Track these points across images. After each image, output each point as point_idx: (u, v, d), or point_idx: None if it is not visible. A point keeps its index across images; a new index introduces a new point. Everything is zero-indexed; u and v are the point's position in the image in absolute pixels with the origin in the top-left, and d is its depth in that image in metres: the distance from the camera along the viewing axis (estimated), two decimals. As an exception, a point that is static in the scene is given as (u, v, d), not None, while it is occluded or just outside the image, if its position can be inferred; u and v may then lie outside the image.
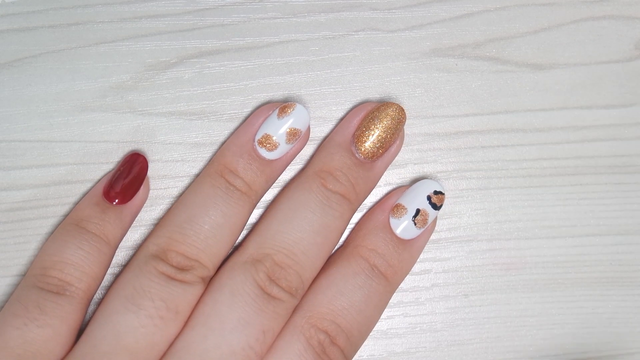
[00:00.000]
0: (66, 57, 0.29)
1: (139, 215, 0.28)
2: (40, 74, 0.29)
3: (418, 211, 0.27)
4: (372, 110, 0.27)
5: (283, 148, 0.27)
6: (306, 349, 0.25)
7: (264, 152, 0.27)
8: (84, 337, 0.25)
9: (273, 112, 0.27)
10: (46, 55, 0.29)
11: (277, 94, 0.29)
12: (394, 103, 0.27)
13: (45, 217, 0.28)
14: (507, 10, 0.30)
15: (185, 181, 0.29)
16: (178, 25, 0.29)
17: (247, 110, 0.29)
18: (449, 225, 0.30)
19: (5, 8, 0.29)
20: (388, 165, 0.28)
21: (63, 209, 0.28)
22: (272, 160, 0.27)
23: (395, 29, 0.30)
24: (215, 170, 0.27)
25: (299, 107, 0.27)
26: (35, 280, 0.26)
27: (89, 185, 0.29)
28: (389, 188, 0.29)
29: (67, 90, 0.29)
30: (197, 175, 0.29)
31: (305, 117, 0.27)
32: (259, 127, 0.27)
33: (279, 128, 0.27)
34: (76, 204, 0.28)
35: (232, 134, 0.29)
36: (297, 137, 0.27)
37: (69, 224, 0.27)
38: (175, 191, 0.29)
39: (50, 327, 0.25)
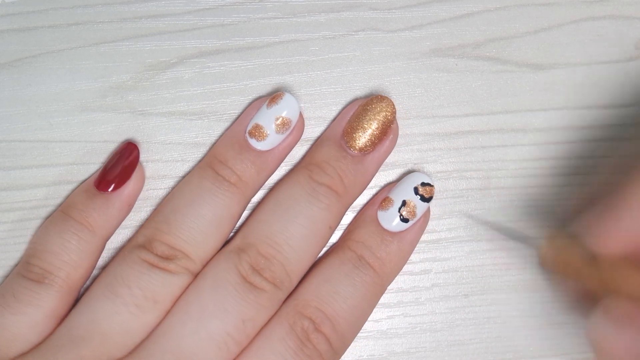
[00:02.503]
0: (66, 57, 0.29)
1: (138, 215, 0.28)
2: (40, 74, 0.29)
3: (404, 202, 0.27)
4: (362, 105, 0.27)
5: (273, 138, 0.27)
6: (289, 334, 0.25)
7: (254, 143, 0.27)
8: (63, 323, 0.26)
9: (264, 103, 0.27)
10: (46, 55, 0.29)
11: (277, 94, 0.29)
12: (383, 97, 0.27)
13: (45, 217, 0.28)
14: (507, 10, 0.30)
15: (185, 181, 0.29)
16: (178, 25, 0.29)
17: (247, 110, 0.29)
18: (449, 225, 0.30)
19: (5, 8, 0.29)
20: (381, 161, 0.28)
21: (63, 209, 0.28)
22: (263, 152, 0.27)
23: (395, 29, 0.30)
24: (205, 161, 0.27)
25: (287, 96, 0.27)
26: (20, 268, 0.26)
27: (89, 185, 0.29)
28: (389, 188, 0.29)
29: (67, 90, 0.29)
30: (197, 175, 0.29)
31: (295, 106, 0.27)
32: (251, 119, 0.27)
33: (268, 118, 0.27)
34: (76, 204, 0.28)
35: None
36: (287, 127, 0.27)
37: (57, 212, 0.27)
38: (175, 191, 0.29)
39: (25, 314, 0.25)
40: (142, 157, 0.29)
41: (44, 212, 0.28)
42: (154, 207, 0.29)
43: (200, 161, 0.28)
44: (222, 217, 0.27)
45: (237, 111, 0.29)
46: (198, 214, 0.26)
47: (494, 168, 0.30)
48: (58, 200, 0.28)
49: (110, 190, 0.27)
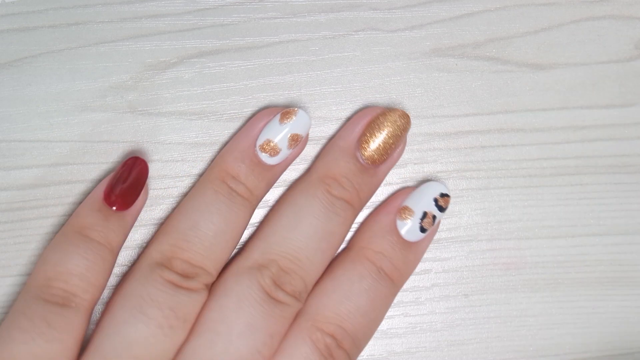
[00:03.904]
0: (66, 57, 0.29)
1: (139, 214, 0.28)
2: (40, 74, 0.29)
3: (425, 214, 0.27)
4: (377, 116, 0.27)
5: (284, 153, 0.27)
6: (313, 352, 0.25)
7: (265, 158, 0.27)
8: (91, 349, 0.24)
9: (274, 117, 0.27)
10: (46, 55, 0.29)
11: (277, 94, 0.29)
12: (399, 109, 0.27)
13: (45, 217, 0.28)
14: (507, 10, 0.30)
15: (185, 181, 0.29)
16: (178, 25, 0.29)
17: (247, 110, 0.29)
18: (449, 225, 0.30)
19: (5, 8, 0.29)
20: (390, 170, 0.28)
21: (63, 209, 0.28)
22: (273, 165, 0.27)
23: (395, 29, 0.30)
24: (216, 175, 0.27)
25: (301, 113, 0.27)
26: (39, 291, 0.25)
27: (89, 185, 0.28)
28: (389, 188, 0.29)
29: (67, 90, 0.29)
30: (198, 177, 0.29)
31: (307, 123, 0.27)
32: (260, 131, 0.27)
33: (280, 133, 0.27)
34: (76, 204, 0.28)
35: (232, 137, 0.29)
36: (298, 142, 0.27)
37: (71, 232, 0.26)
38: (175, 191, 0.29)
39: (59, 341, 0.24)
40: (142, 157, 0.29)
41: (44, 212, 0.28)
42: (152, 207, 0.28)
43: (208, 172, 0.28)
44: (235, 230, 0.27)
45: (237, 111, 0.29)
46: (217, 229, 0.26)
47: (494, 168, 0.30)
48: (58, 200, 0.28)
49: (119, 208, 0.26)
